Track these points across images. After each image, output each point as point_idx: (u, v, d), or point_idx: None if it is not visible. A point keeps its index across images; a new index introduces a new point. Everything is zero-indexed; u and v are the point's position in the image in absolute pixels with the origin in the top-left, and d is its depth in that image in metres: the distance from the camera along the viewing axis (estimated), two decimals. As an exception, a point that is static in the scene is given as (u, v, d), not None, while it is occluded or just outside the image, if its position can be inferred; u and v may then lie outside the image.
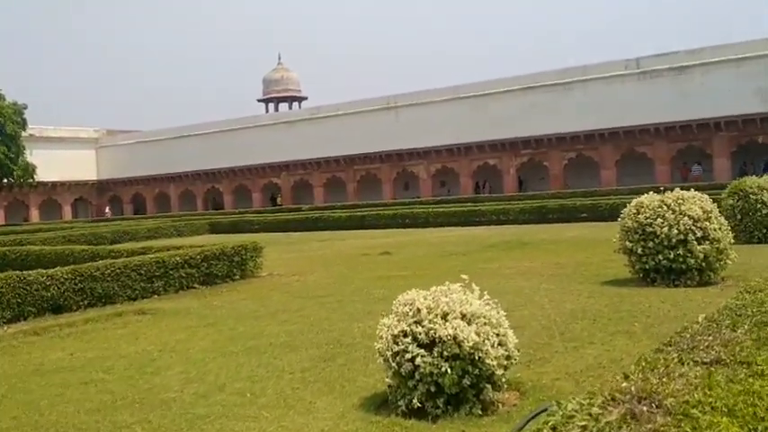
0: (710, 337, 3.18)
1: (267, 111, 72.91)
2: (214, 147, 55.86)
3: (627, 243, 10.28)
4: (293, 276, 14.03)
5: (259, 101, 77.10)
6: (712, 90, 37.70)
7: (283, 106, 73.96)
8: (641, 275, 10.32)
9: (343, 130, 50.18)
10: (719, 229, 9.97)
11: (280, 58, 78.20)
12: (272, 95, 75.68)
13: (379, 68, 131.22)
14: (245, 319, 9.46)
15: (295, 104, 74.59)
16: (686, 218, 9.80)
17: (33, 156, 54.82)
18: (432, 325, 5.03)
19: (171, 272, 12.48)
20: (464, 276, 5.69)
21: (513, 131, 43.71)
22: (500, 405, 5.25)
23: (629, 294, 9.50)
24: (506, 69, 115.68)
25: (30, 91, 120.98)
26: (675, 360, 2.79)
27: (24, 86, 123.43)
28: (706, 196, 10.35)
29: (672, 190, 10.45)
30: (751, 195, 14.76)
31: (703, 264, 9.81)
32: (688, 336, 3.29)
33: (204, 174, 57.35)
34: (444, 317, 5.11)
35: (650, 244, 9.96)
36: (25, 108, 51.81)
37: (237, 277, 13.75)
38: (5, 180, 52.36)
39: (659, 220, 9.93)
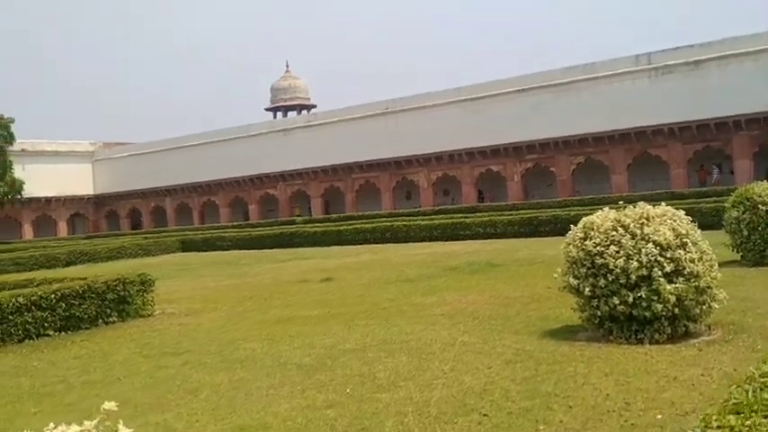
0: None
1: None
2: (209, 158, 53.54)
3: (571, 279, 7.43)
4: (184, 317, 11.36)
5: (267, 110, 74.86)
6: (731, 86, 34.34)
7: (292, 115, 71.56)
8: (595, 323, 7.47)
9: (339, 137, 47.50)
10: (700, 259, 7.08)
11: (287, 66, 75.93)
12: (280, 104, 73.35)
13: (387, 75, 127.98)
14: (20, 401, 6.77)
15: (304, 113, 72.17)
16: (650, 245, 6.94)
17: (26, 171, 53.33)
18: None
19: (11, 317, 9.85)
20: (108, 406, 2.89)
21: (516, 135, 40.66)
22: None
23: (566, 356, 6.66)
24: (508, 70, 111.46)
25: (25, 105, 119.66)
26: None
27: (19, 101, 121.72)
28: (681, 213, 7.47)
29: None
30: (760, 206, 11.76)
31: (676, 310, 6.93)
32: None
33: (199, 186, 55.02)
34: None
35: (602, 282, 7.10)
36: (12, 122, 49.99)
37: (113, 319, 11.08)
38: (-8, 197, 50.49)
39: (612, 247, 7.08)
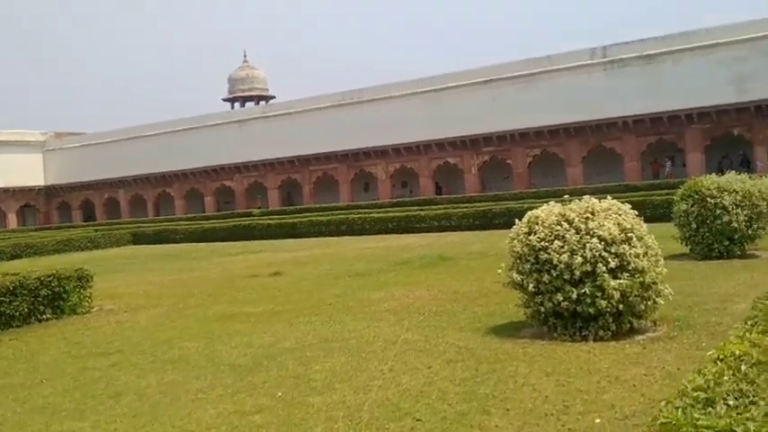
0: None
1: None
2: (164, 149, 52.48)
3: (515, 275, 7.25)
4: (123, 314, 10.94)
5: (224, 100, 73.68)
6: (684, 79, 34.77)
7: (250, 106, 70.53)
8: (540, 319, 7.29)
9: (296, 128, 46.93)
10: (645, 254, 6.94)
11: (245, 56, 74.80)
12: (238, 95, 72.22)
13: (349, 66, 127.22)
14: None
15: (262, 104, 71.19)
16: (594, 240, 6.78)
17: (-27, 161, 52.00)
18: None
19: (-66, 316, 9.33)
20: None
21: (473, 128, 40.63)
22: None
23: (508, 355, 6.46)
24: (466, 63, 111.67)
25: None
26: None
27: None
28: (627, 207, 7.32)
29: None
30: (709, 199, 11.75)
31: (620, 306, 6.78)
32: None
33: (154, 177, 53.95)
34: None
35: (546, 277, 6.92)
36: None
37: (47, 316, 10.61)
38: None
39: (557, 243, 6.90)
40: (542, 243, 6.99)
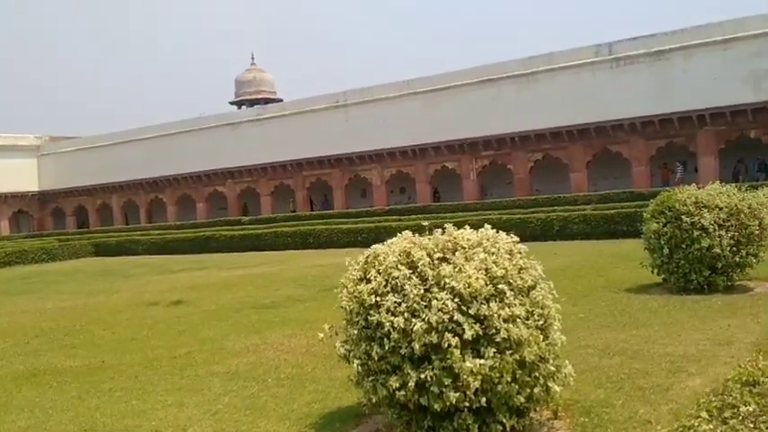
0: None
1: (238, 115, 67.58)
2: (157, 153, 50.49)
3: (338, 345, 4.86)
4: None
5: (231, 103, 71.86)
6: (696, 78, 31.90)
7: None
8: (385, 406, 4.86)
9: (289, 131, 44.65)
10: (529, 316, 4.49)
11: (253, 58, 72.93)
12: (245, 97, 70.29)
13: (353, 68, 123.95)
14: None
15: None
16: (444, 294, 4.35)
17: (-36, 166, 50.59)
18: None
19: None
20: None
21: (472, 130, 38.03)
22: None
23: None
24: (463, 62, 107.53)
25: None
26: None
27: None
28: (510, 240, 4.86)
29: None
30: (684, 217, 9.19)
31: (483, 399, 4.34)
32: None
33: (146, 183, 51.99)
34: None
35: (376, 352, 4.51)
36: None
37: None
38: None
39: (391, 297, 4.49)
40: (374, 297, 4.58)
